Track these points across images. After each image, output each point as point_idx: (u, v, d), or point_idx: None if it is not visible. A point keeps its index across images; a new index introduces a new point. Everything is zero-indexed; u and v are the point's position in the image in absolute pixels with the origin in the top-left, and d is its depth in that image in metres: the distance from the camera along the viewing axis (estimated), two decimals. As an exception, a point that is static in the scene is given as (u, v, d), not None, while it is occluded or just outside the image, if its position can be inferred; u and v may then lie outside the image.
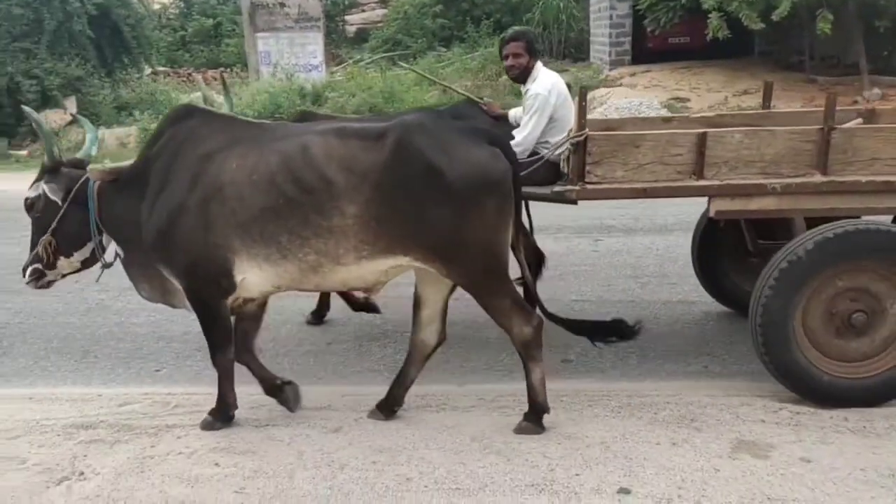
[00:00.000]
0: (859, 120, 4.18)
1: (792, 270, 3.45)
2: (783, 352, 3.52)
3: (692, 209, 4.87)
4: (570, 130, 3.83)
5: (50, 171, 3.63)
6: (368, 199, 3.15)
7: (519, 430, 3.43)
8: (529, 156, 4.09)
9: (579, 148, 3.66)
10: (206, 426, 3.54)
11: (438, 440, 3.37)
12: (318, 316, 5.02)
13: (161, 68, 20.02)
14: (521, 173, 3.64)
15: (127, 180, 3.55)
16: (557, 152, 4.01)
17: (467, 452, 3.27)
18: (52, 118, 14.26)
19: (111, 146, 12.56)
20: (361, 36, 21.84)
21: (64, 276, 3.77)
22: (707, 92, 13.19)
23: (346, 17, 22.85)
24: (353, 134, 3.30)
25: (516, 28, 5.08)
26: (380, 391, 3.81)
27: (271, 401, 3.76)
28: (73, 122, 14.53)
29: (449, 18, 19.20)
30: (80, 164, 3.70)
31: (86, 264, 3.74)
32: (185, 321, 4.99)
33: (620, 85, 14.08)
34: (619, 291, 5.46)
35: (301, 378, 4.18)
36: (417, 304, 3.54)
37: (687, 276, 5.23)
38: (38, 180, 3.65)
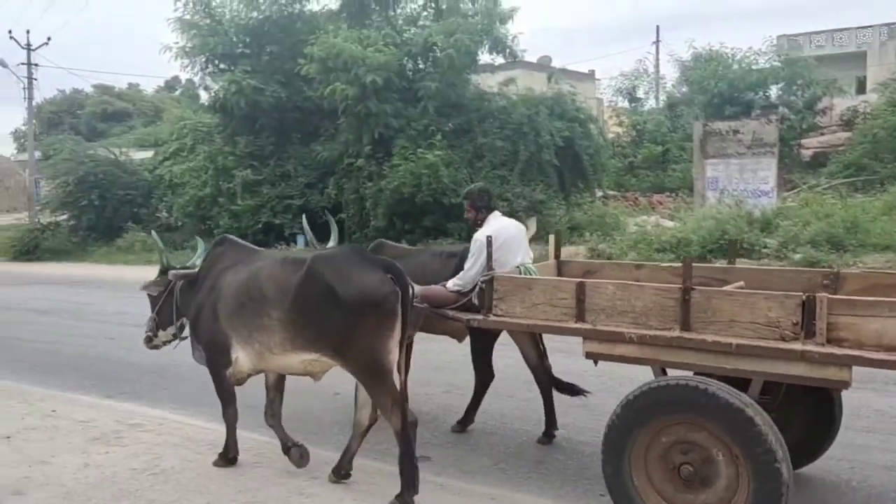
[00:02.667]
0: (741, 283, 4.33)
1: (622, 417, 3.72)
2: (623, 493, 3.73)
3: None
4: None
5: (160, 274, 5.37)
6: (288, 309, 4.28)
7: None
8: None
9: (488, 286, 4.36)
10: (216, 463, 4.83)
11: None
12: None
13: (610, 192, 21.43)
14: (461, 301, 4.71)
15: (190, 283, 5.07)
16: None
17: None
18: (515, 236, 16.25)
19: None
20: (819, 160, 20.57)
21: (165, 343, 5.34)
22: None
23: (803, 141, 21.81)
24: (289, 262, 4.49)
25: (467, 188, 5.71)
26: None
27: None
28: (532, 239, 16.31)
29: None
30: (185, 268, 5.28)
31: (176, 336, 5.29)
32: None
33: None
34: None
35: None
36: (357, 388, 4.46)
37: None
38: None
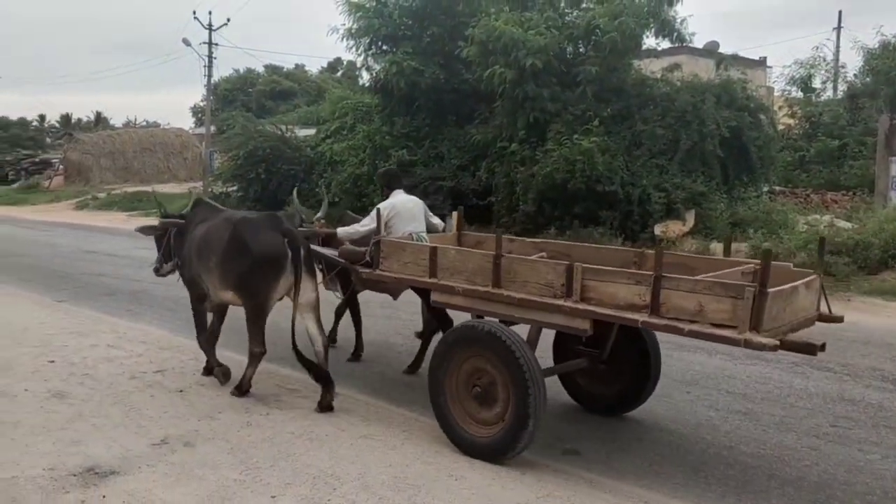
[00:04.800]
0: (543, 254, 5.48)
1: (440, 349, 4.95)
2: (438, 405, 4.92)
3: None
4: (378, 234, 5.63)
5: (161, 220, 6.71)
6: (219, 256, 5.67)
7: (232, 393, 5.89)
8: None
9: (376, 247, 5.48)
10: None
11: None
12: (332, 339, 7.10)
13: (778, 187, 20.05)
14: (366, 259, 5.65)
15: (180, 230, 6.43)
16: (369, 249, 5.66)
17: None
18: (671, 228, 15.56)
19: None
20: None
21: (168, 272, 6.67)
22: None
23: None
24: (228, 221, 5.79)
25: (378, 171, 6.89)
26: None
27: None
28: (690, 233, 15.56)
29: None
30: (181, 217, 6.67)
31: (175, 269, 6.57)
32: (789, 459, 4.70)
33: None
34: None
35: None
36: (308, 330, 5.76)
37: None
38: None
